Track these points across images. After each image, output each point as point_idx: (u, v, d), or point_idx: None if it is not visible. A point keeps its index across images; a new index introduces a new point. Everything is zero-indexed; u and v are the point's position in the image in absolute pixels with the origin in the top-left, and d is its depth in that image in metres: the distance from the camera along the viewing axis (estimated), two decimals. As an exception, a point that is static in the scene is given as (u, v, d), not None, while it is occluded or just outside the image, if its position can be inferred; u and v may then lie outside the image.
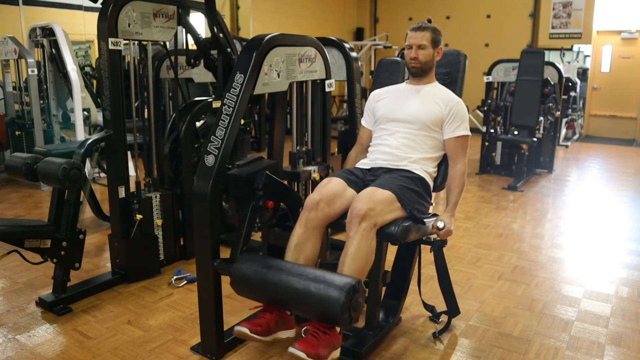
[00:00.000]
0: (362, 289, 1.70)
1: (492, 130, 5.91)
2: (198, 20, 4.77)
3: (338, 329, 1.80)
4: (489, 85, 6.10)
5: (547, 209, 4.60)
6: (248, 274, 1.87)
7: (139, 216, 2.77)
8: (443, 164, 2.32)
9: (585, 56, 9.41)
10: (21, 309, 2.54)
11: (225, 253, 2.10)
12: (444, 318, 2.41)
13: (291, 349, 1.71)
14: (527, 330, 2.39)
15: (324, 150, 2.60)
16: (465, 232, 3.85)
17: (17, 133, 4.99)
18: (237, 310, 2.52)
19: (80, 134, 4.69)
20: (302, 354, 1.68)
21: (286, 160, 2.59)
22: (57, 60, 4.83)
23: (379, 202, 1.93)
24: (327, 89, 2.51)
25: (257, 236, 2.84)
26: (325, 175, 2.48)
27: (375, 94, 2.44)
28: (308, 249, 2.00)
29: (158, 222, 2.92)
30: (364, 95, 6.13)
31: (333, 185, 2.08)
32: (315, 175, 2.43)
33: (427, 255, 2.35)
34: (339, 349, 1.79)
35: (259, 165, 2.07)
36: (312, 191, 2.14)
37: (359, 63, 3.57)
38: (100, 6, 2.57)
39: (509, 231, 3.89)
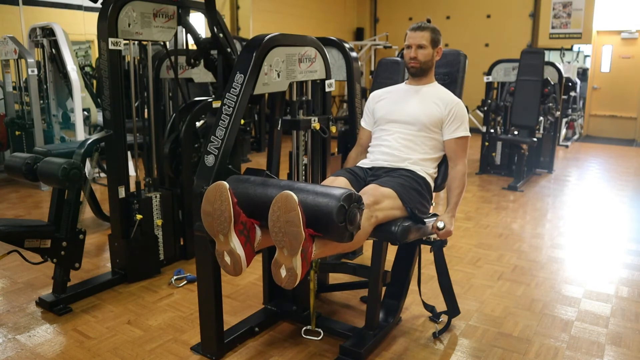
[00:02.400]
0: (360, 200, 1.62)
1: (492, 130, 5.90)
2: (198, 20, 4.77)
3: (313, 249, 1.63)
4: (489, 85, 6.10)
5: (547, 209, 4.60)
6: (237, 188, 1.73)
7: (139, 216, 2.77)
8: (443, 164, 2.32)
9: (585, 56, 9.41)
10: (21, 309, 2.54)
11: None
12: (444, 318, 2.41)
13: (286, 191, 1.55)
14: (527, 330, 2.39)
15: (324, 150, 2.60)
16: (465, 232, 3.85)
17: (17, 133, 4.99)
18: (237, 310, 2.53)
19: (80, 134, 4.69)
20: (295, 197, 1.52)
21: (285, 161, 2.59)
22: (57, 60, 4.83)
23: (381, 197, 1.94)
24: (327, 89, 2.51)
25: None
26: (326, 126, 2.46)
27: (374, 95, 2.44)
28: None
29: (158, 222, 2.92)
30: (364, 95, 6.13)
31: (338, 183, 2.09)
32: (315, 125, 2.39)
33: (427, 255, 2.35)
34: (303, 268, 1.57)
35: None
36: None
37: (359, 63, 3.57)
38: (100, 6, 2.57)
39: (509, 231, 3.89)
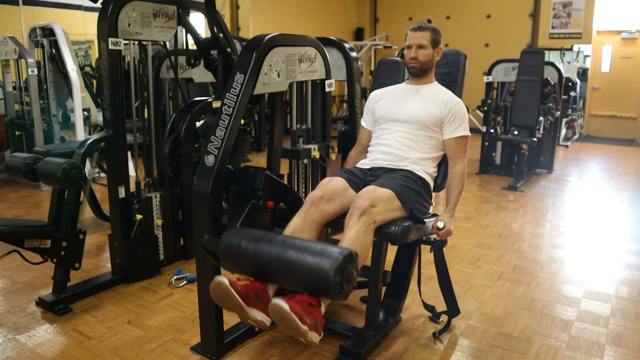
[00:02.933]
0: (356, 260, 1.64)
1: (492, 130, 5.90)
2: (198, 20, 4.77)
3: (323, 310, 1.73)
4: (489, 85, 6.10)
5: (547, 209, 4.60)
6: (236, 246, 1.76)
7: (139, 216, 2.77)
8: (443, 164, 2.32)
9: (585, 56, 9.41)
10: (21, 309, 2.54)
11: (225, 253, 2.09)
12: (444, 318, 2.41)
13: (274, 300, 1.61)
14: (527, 330, 2.39)
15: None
16: (465, 232, 3.85)
17: (17, 133, 4.99)
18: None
19: (80, 134, 4.69)
20: (285, 306, 1.59)
21: (285, 161, 2.60)
22: (57, 60, 4.83)
23: (379, 200, 1.93)
24: (327, 89, 2.51)
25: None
26: (326, 154, 2.48)
27: (374, 95, 2.44)
28: (304, 237, 1.96)
29: (158, 222, 2.92)
30: (364, 95, 6.13)
31: (334, 183, 2.08)
32: (315, 154, 2.42)
33: (427, 255, 2.35)
34: (318, 335, 1.68)
35: None
36: (312, 185, 2.14)
37: (359, 63, 3.57)
38: (100, 6, 2.56)
39: (509, 231, 3.89)
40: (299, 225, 1.99)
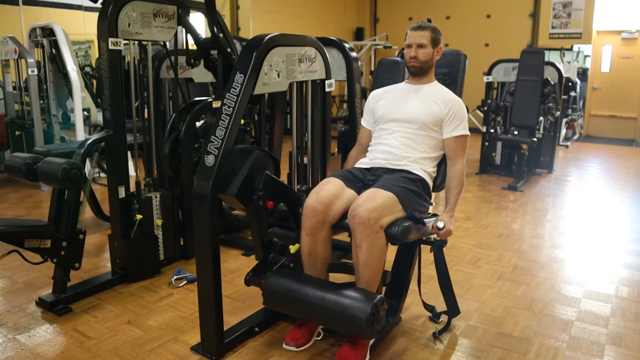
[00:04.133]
0: (383, 304, 1.87)
1: (492, 130, 5.90)
2: (198, 20, 4.77)
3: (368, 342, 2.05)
4: (489, 85, 6.10)
5: (547, 209, 4.60)
6: (280, 291, 2.01)
7: (139, 216, 2.77)
8: (443, 163, 2.32)
9: (585, 56, 9.41)
10: (21, 309, 2.54)
11: (225, 253, 2.11)
12: (444, 318, 2.41)
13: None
14: (527, 330, 2.39)
15: (324, 150, 2.60)
16: (465, 232, 3.85)
17: (17, 133, 4.99)
18: (237, 310, 2.53)
19: (80, 134, 4.69)
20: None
21: (285, 161, 2.60)
22: (57, 60, 4.83)
23: (380, 204, 1.93)
24: (327, 89, 2.51)
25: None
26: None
27: (374, 94, 2.44)
28: (320, 252, 2.10)
29: (158, 222, 2.92)
30: (364, 95, 6.13)
31: (331, 186, 2.08)
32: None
33: (427, 255, 2.35)
34: (367, 358, 2.04)
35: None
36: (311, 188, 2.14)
37: (359, 63, 3.57)
38: (100, 6, 2.57)
39: (509, 231, 3.89)
40: (310, 243, 2.08)
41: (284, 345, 2.15)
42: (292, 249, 2.15)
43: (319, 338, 2.25)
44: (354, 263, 2.00)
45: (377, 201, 1.93)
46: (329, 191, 2.06)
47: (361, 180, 2.20)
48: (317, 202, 2.02)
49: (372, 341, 2.10)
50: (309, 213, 2.03)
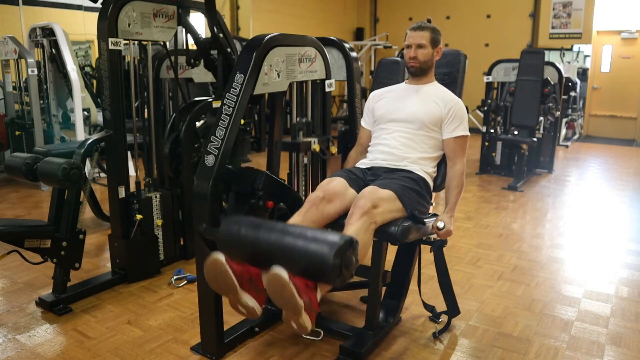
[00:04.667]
0: (356, 247, 1.62)
1: (492, 130, 5.90)
2: (198, 20, 4.77)
3: (319, 297, 1.67)
4: (489, 85, 6.10)
5: (547, 209, 4.60)
6: (235, 233, 1.73)
7: (139, 216, 2.77)
8: (443, 164, 2.32)
9: (585, 56, 9.41)
10: (21, 309, 2.54)
11: (225, 253, 2.10)
12: (444, 318, 2.41)
13: (275, 267, 1.56)
14: (527, 330, 2.39)
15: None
16: (465, 232, 3.85)
17: (17, 133, 4.99)
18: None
19: (80, 134, 4.69)
20: (284, 274, 1.54)
21: (285, 161, 2.60)
22: (57, 60, 4.83)
23: (381, 200, 1.93)
24: (327, 89, 2.51)
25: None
26: (326, 148, 2.48)
27: (374, 94, 2.44)
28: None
29: (158, 222, 2.92)
30: (364, 95, 6.13)
31: (335, 184, 2.08)
32: (315, 147, 2.41)
33: (427, 255, 2.35)
34: (311, 321, 1.63)
35: None
36: (312, 188, 2.14)
37: (359, 63, 3.56)
38: (100, 6, 2.56)
39: (509, 231, 3.89)
40: (299, 223, 1.98)
41: (218, 254, 1.68)
42: None
43: (319, 338, 2.26)
44: None
45: (377, 197, 1.93)
46: (334, 188, 2.06)
47: (362, 180, 2.20)
48: (323, 195, 2.01)
49: (322, 293, 1.76)
50: (312, 200, 2.00)
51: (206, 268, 1.70)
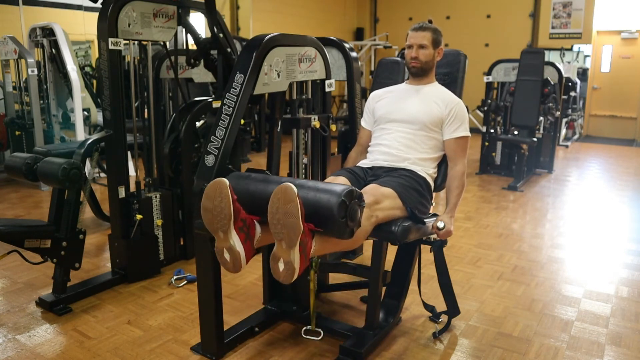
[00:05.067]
0: (361, 198, 1.63)
1: (492, 130, 5.90)
2: (198, 20, 4.77)
3: (312, 246, 1.62)
4: (489, 85, 6.10)
5: (547, 209, 4.60)
6: (241, 184, 1.75)
7: (139, 216, 2.77)
8: (443, 164, 2.32)
9: (585, 56, 9.41)
10: (21, 309, 2.54)
11: (225, 253, 2.10)
12: (444, 318, 2.41)
13: (286, 183, 1.54)
14: (527, 330, 2.39)
15: (324, 150, 2.60)
16: (465, 232, 3.85)
17: (17, 133, 4.99)
18: (237, 310, 2.53)
19: (80, 134, 4.69)
20: (294, 189, 1.52)
21: (285, 161, 2.60)
22: (57, 60, 4.83)
23: (382, 197, 1.93)
24: (327, 89, 2.51)
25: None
26: (326, 124, 2.47)
27: (374, 95, 2.44)
28: None
29: (158, 222, 2.92)
30: (364, 95, 6.13)
31: (338, 182, 2.08)
32: (315, 123, 2.39)
33: (427, 255, 2.35)
34: (301, 265, 1.57)
35: None
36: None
37: (359, 63, 3.56)
38: (100, 6, 2.57)
39: (509, 231, 3.89)
40: None
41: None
42: None
43: (319, 338, 2.26)
44: None
45: (376, 194, 1.93)
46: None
47: (363, 179, 2.20)
48: None
49: (316, 260, 1.80)
50: None
51: (206, 191, 1.66)
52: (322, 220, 1.58)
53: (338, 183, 1.65)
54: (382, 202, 1.92)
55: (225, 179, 1.65)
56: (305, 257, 1.58)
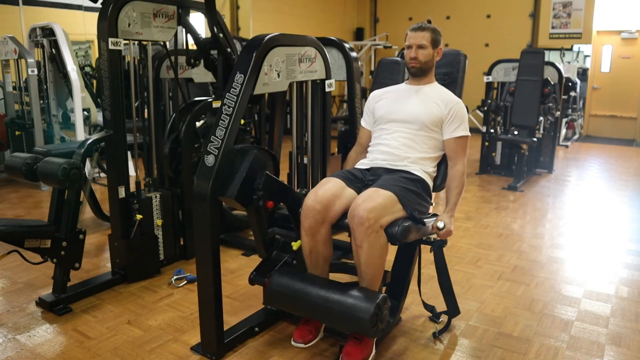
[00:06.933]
0: (386, 303, 1.88)
1: (492, 130, 5.90)
2: (198, 20, 4.77)
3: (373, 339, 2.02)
4: (489, 85, 6.10)
5: (547, 209, 4.60)
6: (284, 290, 2.01)
7: (139, 216, 2.77)
8: (443, 164, 2.32)
9: (585, 56, 9.41)
10: (21, 309, 2.54)
11: (225, 253, 2.11)
12: (444, 318, 2.41)
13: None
14: (527, 330, 2.39)
15: (324, 150, 2.60)
16: (465, 232, 3.85)
17: (17, 133, 4.99)
18: (237, 310, 2.53)
19: (80, 134, 4.69)
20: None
21: (285, 161, 2.59)
22: (57, 60, 4.83)
23: (379, 204, 1.93)
24: (327, 89, 2.51)
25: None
26: None
27: (374, 95, 2.44)
28: (321, 250, 2.09)
29: (158, 222, 2.92)
30: (364, 95, 6.13)
31: (330, 186, 2.08)
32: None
33: (427, 255, 2.35)
34: (372, 354, 2.03)
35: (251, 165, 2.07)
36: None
37: (359, 63, 3.57)
38: (100, 6, 2.57)
39: (509, 231, 3.89)
40: (310, 242, 2.07)
41: (293, 342, 2.11)
42: (295, 245, 2.15)
43: (319, 338, 2.25)
44: (356, 263, 2.00)
45: (376, 201, 1.93)
46: (328, 191, 2.05)
47: (361, 180, 2.20)
48: (316, 202, 2.02)
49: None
50: (307, 213, 2.03)
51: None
52: (361, 333, 1.96)
53: (364, 291, 1.95)
54: (380, 210, 1.92)
55: (300, 345, 2.11)
56: (369, 354, 2.02)
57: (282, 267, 2.18)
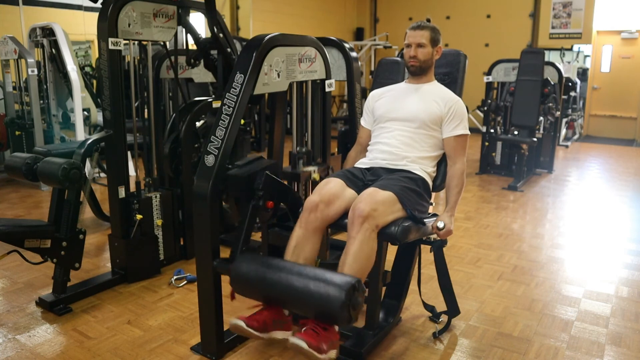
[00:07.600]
0: (361, 288, 1.70)
1: (492, 130, 5.90)
2: (198, 20, 4.77)
3: (337, 328, 1.80)
4: (489, 85, 6.10)
5: (547, 209, 4.60)
6: (247, 273, 1.86)
7: (139, 216, 2.77)
8: (442, 163, 2.32)
9: (585, 56, 9.41)
10: (21, 309, 2.54)
11: (225, 253, 2.11)
12: (444, 318, 2.41)
13: (292, 339, 1.69)
14: (527, 330, 2.39)
15: (324, 150, 2.60)
16: (465, 232, 3.85)
17: (17, 133, 4.99)
18: (237, 310, 2.52)
19: (80, 134, 4.69)
20: (302, 344, 1.66)
21: (286, 161, 2.60)
22: (57, 60, 4.83)
23: (380, 203, 1.93)
24: (327, 89, 2.51)
25: (257, 236, 2.84)
26: (326, 176, 2.48)
27: (374, 94, 2.44)
28: (307, 249, 2.01)
29: (158, 222, 2.92)
30: (364, 95, 6.13)
31: (332, 185, 2.08)
32: (315, 176, 2.42)
33: (427, 255, 2.35)
34: (336, 350, 1.77)
35: (259, 166, 2.07)
36: (312, 192, 2.15)
37: (359, 63, 3.57)
38: (100, 6, 2.57)
39: (509, 231, 3.89)
40: (301, 236, 2.00)
41: (236, 321, 1.83)
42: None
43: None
44: (343, 254, 1.91)
45: (377, 200, 1.93)
46: (330, 190, 2.06)
47: (361, 180, 2.20)
48: (320, 199, 2.01)
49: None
50: (310, 207, 2.01)
51: (231, 329, 1.87)
52: (329, 319, 1.74)
53: (336, 273, 1.77)
54: (381, 208, 1.92)
55: (239, 323, 1.80)
56: (336, 341, 1.77)
57: (246, 252, 2.02)
